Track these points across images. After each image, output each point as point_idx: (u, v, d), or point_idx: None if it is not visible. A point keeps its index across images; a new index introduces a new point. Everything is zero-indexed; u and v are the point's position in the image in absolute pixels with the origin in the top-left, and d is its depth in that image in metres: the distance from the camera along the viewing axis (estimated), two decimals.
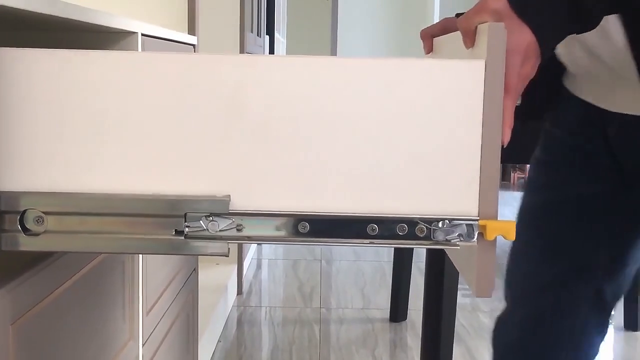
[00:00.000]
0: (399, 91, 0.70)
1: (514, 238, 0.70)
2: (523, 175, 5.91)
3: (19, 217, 0.68)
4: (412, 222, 0.70)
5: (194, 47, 1.61)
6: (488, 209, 0.71)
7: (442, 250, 1.76)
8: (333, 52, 6.77)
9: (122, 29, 1.06)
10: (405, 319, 2.71)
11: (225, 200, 0.69)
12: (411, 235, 0.70)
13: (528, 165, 4.31)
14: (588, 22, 0.81)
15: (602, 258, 1.05)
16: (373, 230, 0.70)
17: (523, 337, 1.11)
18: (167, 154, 0.70)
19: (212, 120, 0.69)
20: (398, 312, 2.70)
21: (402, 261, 2.70)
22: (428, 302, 1.84)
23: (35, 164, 0.69)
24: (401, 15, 6.98)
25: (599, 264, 1.05)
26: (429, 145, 0.70)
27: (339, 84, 0.70)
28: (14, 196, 0.69)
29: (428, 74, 0.70)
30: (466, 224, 0.70)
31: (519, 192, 5.85)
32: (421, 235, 0.70)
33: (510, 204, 5.24)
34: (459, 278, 1.91)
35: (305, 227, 0.70)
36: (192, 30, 2.25)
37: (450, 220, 0.70)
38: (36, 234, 0.69)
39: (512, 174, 6.17)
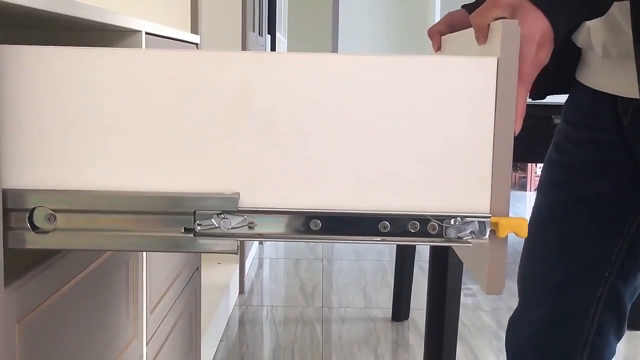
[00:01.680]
0: (410, 88, 0.70)
1: (526, 235, 0.70)
2: (524, 175, 5.91)
3: (27, 215, 0.68)
4: (423, 220, 0.70)
5: (197, 46, 1.61)
6: (500, 206, 0.70)
7: (446, 249, 1.76)
8: (334, 51, 6.77)
9: (126, 27, 1.05)
10: (407, 318, 2.70)
11: (235, 197, 0.69)
12: (423, 233, 0.70)
13: (529, 165, 4.31)
14: (600, 8, 0.81)
15: (617, 258, 1.04)
16: (385, 227, 0.70)
17: (537, 337, 1.11)
18: (174, 151, 0.70)
19: (219, 118, 0.69)
20: (400, 311, 2.70)
21: (404, 260, 2.70)
22: (431, 301, 1.84)
23: (42, 161, 0.69)
24: (402, 14, 6.98)
25: (614, 264, 1.04)
26: (441, 143, 0.70)
27: (348, 81, 0.69)
28: (21, 194, 0.68)
29: (439, 70, 0.70)
30: (478, 221, 0.70)
31: (520, 192, 5.86)
32: (433, 233, 0.70)
33: (511, 204, 5.23)
34: (462, 277, 1.91)
35: (317, 224, 0.70)
36: (194, 30, 2.25)
37: (462, 217, 0.70)
38: (45, 232, 0.69)
39: (513, 174, 6.16)
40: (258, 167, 0.70)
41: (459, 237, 0.70)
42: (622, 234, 1.04)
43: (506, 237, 0.71)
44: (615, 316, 1.08)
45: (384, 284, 3.14)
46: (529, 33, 0.75)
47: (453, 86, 0.69)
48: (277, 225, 0.70)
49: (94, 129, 0.69)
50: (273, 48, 4.36)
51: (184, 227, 0.69)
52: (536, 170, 5.72)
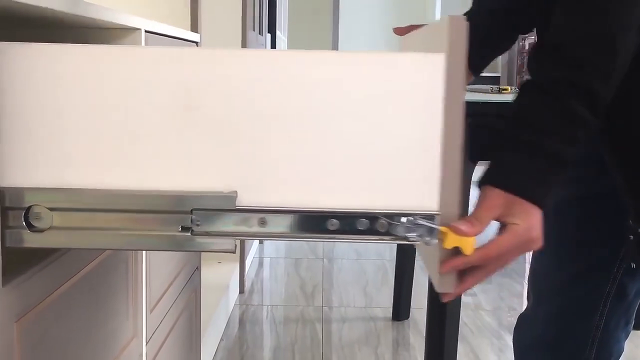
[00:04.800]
0: (358, 85, 0.69)
1: (471, 252, 0.71)
2: None
3: (23, 213, 0.68)
4: (372, 218, 0.69)
5: (197, 45, 1.60)
6: (448, 203, 0.70)
7: None
8: (334, 50, 6.75)
9: (125, 25, 1.05)
10: (408, 317, 2.70)
11: (232, 196, 0.69)
12: (372, 231, 0.70)
13: None
14: (569, 166, 0.83)
15: (624, 254, 1.04)
16: (333, 225, 0.69)
17: (546, 334, 1.11)
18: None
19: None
20: (400, 310, 2.69)
21: (404, 260, 2.70)
22: (432, 300, 1.84)
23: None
24: (402, 13, 6.97)
25: (621, 260, 1.04)
26: (389, 140, 0.69)
27: (295, 78, 0.69)
28: (19, 192, 0.68)
29: (385, 67, 0.69)
30: (427, 224, 0.70)
31: None
32: (382, 231, 0.70)
33: None
34: None
35: (264, 221, 0.69)
36: (194, 28, 2.24)
37: (412, 215, 0.69)
38: (41, 230, 0.68)
39: None
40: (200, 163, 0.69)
41: (406, 237, 0.70)
42: (630, 229, 1.03)
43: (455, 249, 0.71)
44: (623, 312, 1.08)
45: (384, 283, 3.13)
46: (524, 230, 0.78)
47: (400, 83, 0.69)
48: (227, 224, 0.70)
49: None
50: (273, 47, 4.35)
51: (182, 226, 0.69)
52: None
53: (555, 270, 1.11)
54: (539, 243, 0.79)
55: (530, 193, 0.79)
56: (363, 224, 0.70)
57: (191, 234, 0.69)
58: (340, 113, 0.69)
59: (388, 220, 0.69)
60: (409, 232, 0.70)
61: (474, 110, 1.82)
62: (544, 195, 0.80)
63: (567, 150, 0.81)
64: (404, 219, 0.69)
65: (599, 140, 0.96)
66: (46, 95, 0.68)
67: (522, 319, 1.18)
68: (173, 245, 0.70)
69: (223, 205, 0.69)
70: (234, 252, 0.70)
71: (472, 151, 1.77)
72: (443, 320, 1.77)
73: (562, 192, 1.10)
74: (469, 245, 0.71)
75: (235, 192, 0.69)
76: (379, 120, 0.69)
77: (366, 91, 0.69)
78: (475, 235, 0.73)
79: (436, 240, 0.70)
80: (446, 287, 0.72)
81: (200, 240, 0.70)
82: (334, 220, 0.69)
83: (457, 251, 0.72)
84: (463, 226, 0.72)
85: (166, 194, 0.69)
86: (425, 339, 1.88)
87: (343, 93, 0.69)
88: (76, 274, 0.86)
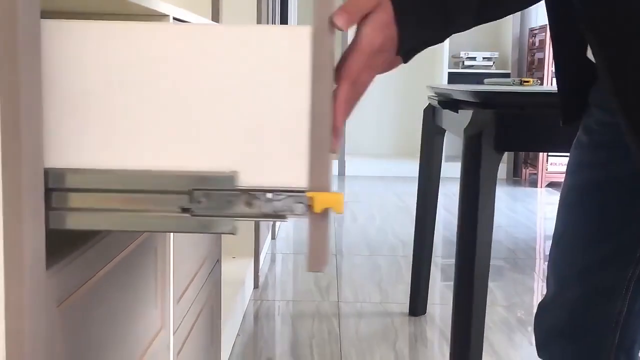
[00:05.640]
0: (219, 58, 0.67)
1: (342, 211, 0.67)
2: (534, 172, 5.88)
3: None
4: (239, 194, 0.67)
5: None
6: (319, 181, 0.68)
7: (474, 242, 1.73)
8: (344, 44, 6.74)
9: (155, 11, 1.03)
10: (425, 313, 2.68)
11: (232, 176, 0.67)
12: (239, 208, 0.67)
13: (540, 160, 4.26)
14: (456, 24, 0.82)
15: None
16: (199, 202, 0.67)
17: (568, 320, 1.10)
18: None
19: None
20: (417, 306, 2.67)
21: (421, 255, 2.68)
22: (457, 297, 1.81)
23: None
24: None
25: None
26: (255, 114, 0.67)
27: (156, 51, 0.67)
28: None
29: (249, 40, 0.67)
30: (295, 197, 0.67)
31: (530, 188, 5.78)
32: (249, 208, 0.67)
33: (521, 200, 5.21)
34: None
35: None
36: (215, 19, 2.24)
37: (280, 192, 0.67)
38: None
39: (523, 170, 6.13)
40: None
41: (275, 212, 0.67)
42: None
43: (326, 214, 0.68)
44: None
45: (398, 279, 3.12)
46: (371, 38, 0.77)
47: (265, 57, 0.67)
48: None
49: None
50: None
51: (181, 207, 0.67)
52: (547, 166, 5.69)
53: (578, 256, 1.10)
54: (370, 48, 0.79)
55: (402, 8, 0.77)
56: (229, 201, 0.67)
57: (190, 215, 0.67)
58: (197, 87, 0.67)
59: (256, 197, 0.67)
60: (276, 208, 0.67)
61: (498, 102, 1.80)
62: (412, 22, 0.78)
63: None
64: (269, 195, 0.67)
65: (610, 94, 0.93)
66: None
67: (543, 306, 1.16)
68: (173, 226, 0.68)
69: (224, 186, 0.67)
70: (234, 234, 0.68)
71: (497, 141, 1.75)
72: (469, 317, 1.75)
73: (582, 178, 1.09)
74: (339, 204, 0.67)
75: (236, 171, 0.67)
76: (246, 94, 0.67)
77: (232, 65, 0.67)
78: (347, 23, 0.73)
79: (305, 207, 0.67)
80: (316, 267, 0.69)
81: (200, 221, 0.68)
82: (202, 199, 0.67)
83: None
84: (336, 19, 0.71)
85: (164, 174, 0.67)
86: (451, 336, 1.86)
87: (203, 67, 0.67)
88: (112, 260, 0.84)
